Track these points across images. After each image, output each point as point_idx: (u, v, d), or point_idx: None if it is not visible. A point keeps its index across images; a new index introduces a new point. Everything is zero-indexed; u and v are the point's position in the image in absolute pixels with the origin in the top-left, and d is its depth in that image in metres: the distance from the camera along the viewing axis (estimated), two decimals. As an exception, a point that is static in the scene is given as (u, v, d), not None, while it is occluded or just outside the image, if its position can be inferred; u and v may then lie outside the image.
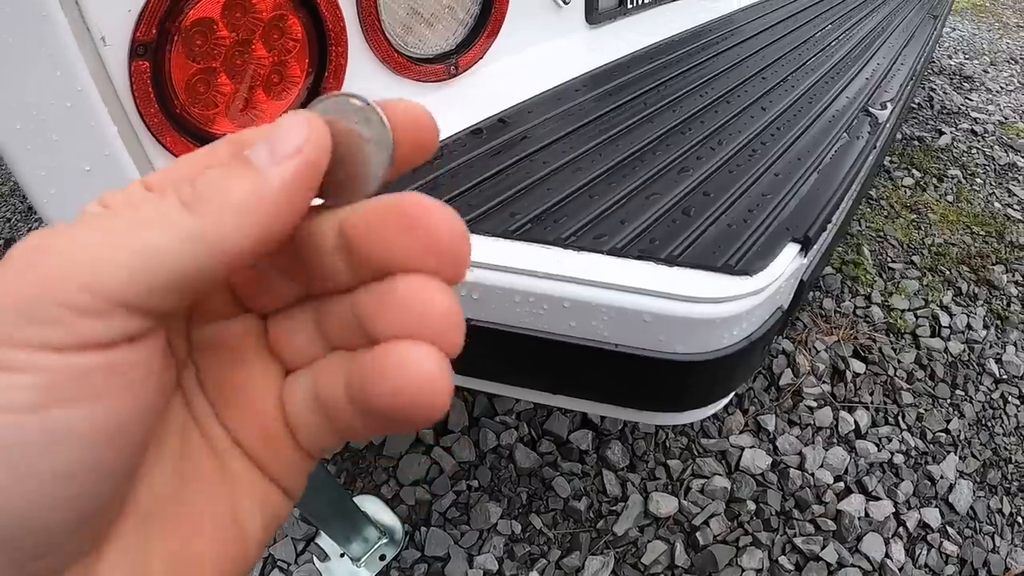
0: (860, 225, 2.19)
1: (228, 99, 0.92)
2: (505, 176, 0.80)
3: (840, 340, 1.74)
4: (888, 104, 1.20)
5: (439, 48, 1.13)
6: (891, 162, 2.55)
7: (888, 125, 1.17)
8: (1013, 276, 2.02)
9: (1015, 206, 2.36)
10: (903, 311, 1.85)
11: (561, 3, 1.29)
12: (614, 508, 1.36)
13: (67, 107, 0.71)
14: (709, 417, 1.52)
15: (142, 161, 0.86)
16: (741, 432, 1.49)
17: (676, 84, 1.13)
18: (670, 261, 0.63)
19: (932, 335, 1.79)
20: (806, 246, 0.72)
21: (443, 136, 0.94)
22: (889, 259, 2.06)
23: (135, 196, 0.22)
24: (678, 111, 1.03)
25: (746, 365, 0.72)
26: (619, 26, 1.45)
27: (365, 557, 1.29)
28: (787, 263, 0.69)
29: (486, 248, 0.67)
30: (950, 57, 3.65)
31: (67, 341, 0.18)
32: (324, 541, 1.33)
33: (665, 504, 1.35)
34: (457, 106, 1.07)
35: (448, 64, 1.11)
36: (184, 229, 0.20)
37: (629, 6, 1.47)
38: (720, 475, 1.40)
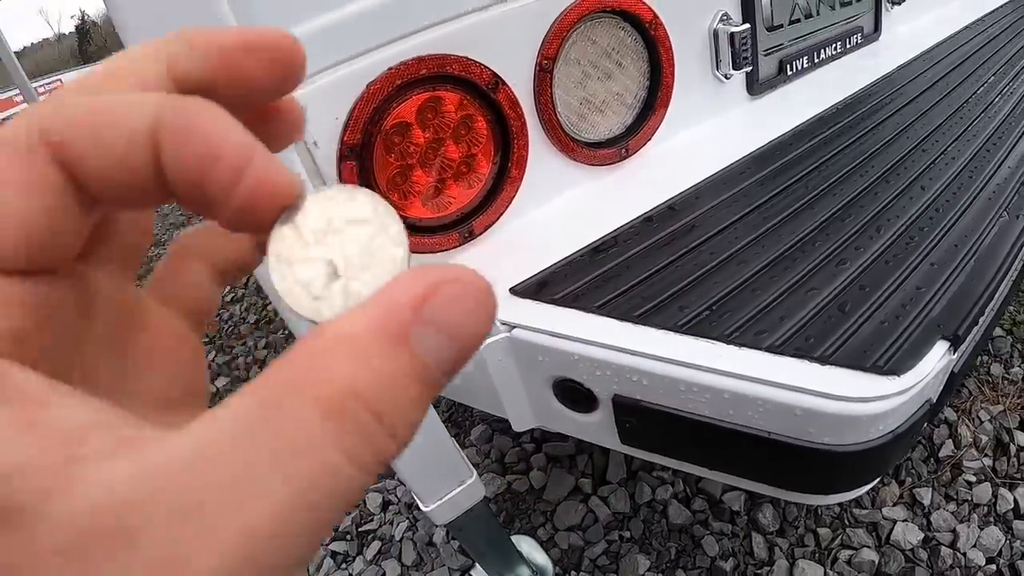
0: (1032, 287, 2.08)
1: (423, 188, 1.06)
2: (675, 268, 0.90)
3: (1006, 410, 1.68)
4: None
5: (610, 132, 1.24)
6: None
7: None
8: None
9: None
10: (1079, 381, 1.75)
11: (723, 78, 1.38)
12: (759, 572, 1.39)
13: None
14: (861, 486, 1.52)
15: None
16: (895, 504, 1.47)
17: (837, 163, 1.17)
18: (823, 360, 0.70)
19: (1113, 409, 1.68)
20: (956, 344, 0.76)
21: (618, 224, 1.06)
22: (1067, 322, 1.95)
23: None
24: (838, 194, 1.06)
25: (892, 454, 0.78)
26: (780, 94, 1.51)
27: (515, 592, 1.39)
28: (935, 361, 0.73)
29: (658, 340, 0.77)
30: None
31: None
32: (478, 573, 1.46)
33: (811, 572, 1.37)
34: (629, 191, 1.18)
35: (619, 148, 1.23)
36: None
37: (788, 72, 1.53)
38: (869, 547, 1.40)
